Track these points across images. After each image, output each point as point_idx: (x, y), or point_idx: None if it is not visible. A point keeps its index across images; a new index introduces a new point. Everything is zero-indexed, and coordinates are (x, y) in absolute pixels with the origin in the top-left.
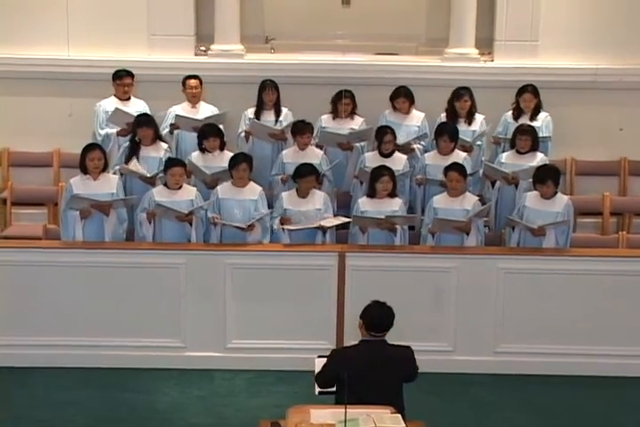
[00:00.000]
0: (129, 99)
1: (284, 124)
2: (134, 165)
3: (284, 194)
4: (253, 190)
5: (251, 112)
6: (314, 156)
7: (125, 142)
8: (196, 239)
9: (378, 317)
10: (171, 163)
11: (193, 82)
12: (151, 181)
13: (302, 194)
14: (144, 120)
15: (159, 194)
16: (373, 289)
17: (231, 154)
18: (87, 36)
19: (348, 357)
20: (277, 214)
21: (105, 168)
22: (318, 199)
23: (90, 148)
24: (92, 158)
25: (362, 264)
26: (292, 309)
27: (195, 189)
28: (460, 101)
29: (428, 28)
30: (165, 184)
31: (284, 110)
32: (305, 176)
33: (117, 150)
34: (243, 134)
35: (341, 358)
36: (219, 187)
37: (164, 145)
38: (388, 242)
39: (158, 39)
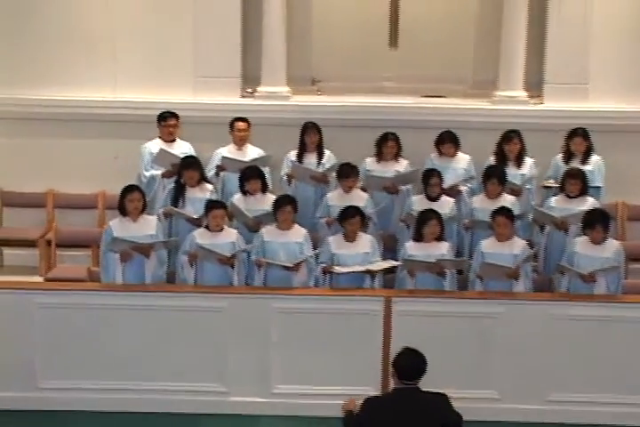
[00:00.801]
0: (174, 140)
1: (327, 166)
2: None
3: (332, 238)
4: (298, 233)
5: (293, 155)
6: (359, 198)
7: (170, 184)
8: (238, 283)
9: (409, 364)
10: (212, 205)
11: (241, 124)
12: (197, 223)
13: (349, 237)
14: (190, 162)
15: (201, 236)
16: (420, 335)
17: (273, 197)
18: (133, 77)
19: (380, 405)
20: (325, 259)
21: (144, 209)
22: (366, 243)
23: (129, 189)
24: (131, 200)
25: (408, 309)
26: (337, 354)
27: (236, 231)
28: (510, 144)
29: (475, 70)
30: (207, 226)
31: (327, 153)
32: (350, 218)
33: (162, 192)
34: (285, 177)
35: (373, 406)
36: (263, 229)
37: (210, 186)
38: (437, 286)
39: (204, 81)
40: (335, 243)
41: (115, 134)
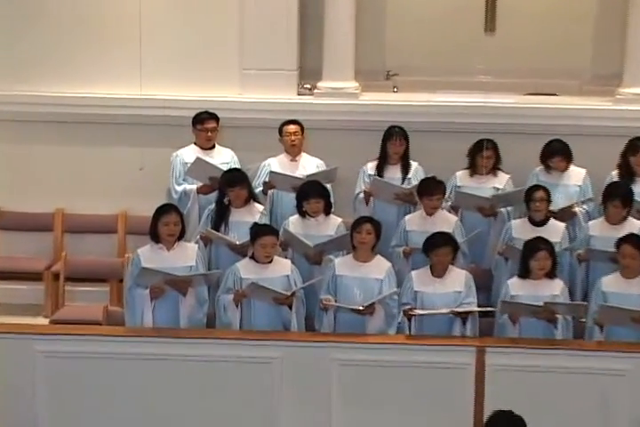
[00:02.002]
0: (213, 147)
1: (414, 182)
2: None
3: (415, 273)
4: (380, 266)
5: (371, 167)
6: (445, 223)
7: (210, 204)
8: (297, 327)
9: None
10: (260, 231)
11: (292, 128)
12: (242, 251)
13: (437, 272)
14: (236, 177)
15: (245, 269)
16: (519, 394)
17: (339, 220)
18: (163, 70)
19: None
20: (406, 299)
21: (182, 236)
22: (458, 279)
23: (164, 210)
24: (166, 223)
25: (507, 363)
26: (415, 416)
27: (289, 261)
28: (637, 156)
29: (594, 61)
30: (252, 257)
31: (414, 165)
32: (439, 248)
33: (197, 211)
34: (361, 195)
35: None
36: (337, 261)
37: (260, 207)
38: (546, 335)
39: (252, 75)
40: (418, 278)
41: (140, 140)
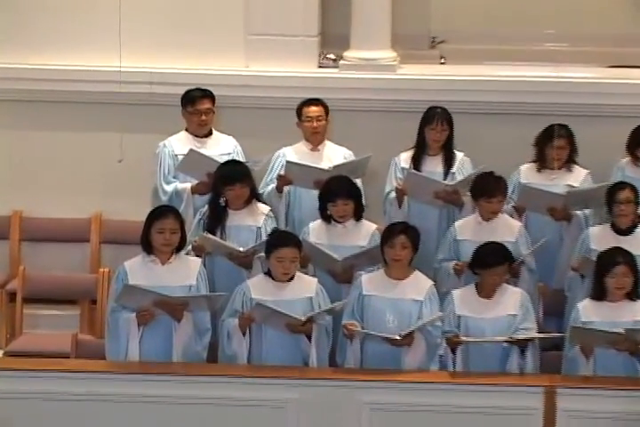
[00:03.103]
0: (210, 134)
1: (459, 177)
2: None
3: (457, 294)
4: (419, 285)
5: (405, 158)
6: (506, 230)
7: (204, 206)
8: (317, 362)
9: None
10: (277, 240)
11: (314, 110)
12: (247, 262)
13: (486, 292)
14: (234, 171)
15: (258, 288)
16: None
17: (373, 227)
18: (147, 37)
19: None
20: (448, 326)
21: (181, 247)
22: (512, 300)
23: (159, 213)
24: (161, 230)
25: (583, 407)
26: None
27: (315, 280)
28: None
29: None
30: (268, 273)
31: (459, 156)
32: (494, 266)
33: (192, 217)
34: (393, 194)
35: None
36: (363, 278)
37: (264, 208)
38: (628, 372)
39: (261, 42)
40: (462, 300)
41: (118, 125)
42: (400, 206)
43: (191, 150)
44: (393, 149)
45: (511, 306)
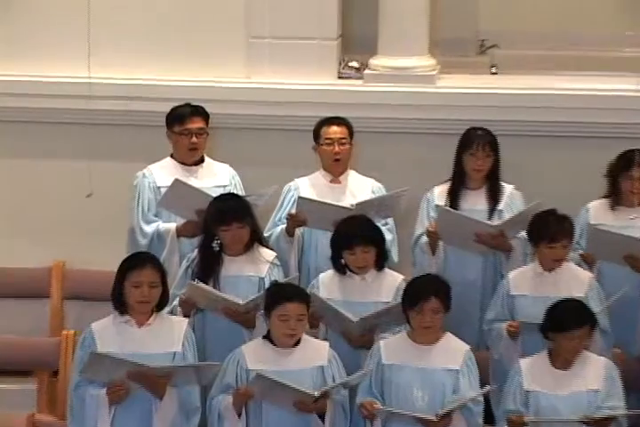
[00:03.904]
0: (201, 162)
1: (507, 216)
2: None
3: (525, 364)
4: (452, 350)
5: (440, 193)
6: (573, 282)
7: (193, 251)
8: None
9: None
10: (280, 293)
11: (336, 131)
12: (246, 319)
13: (562, 362)
14: (232, 208)
15: (255, 356)
16: None
17: (399, 278)
18: (123, 41)
19: None
20: (513, 404)
21: (163, 304)
22: (594, 371)
23: (136, 261)
24: (137, 283)
25: None
26: None
27: (326, 345)
28: None
29: None
30: (267, 336)
31: (508, 189)
32: (572, 329)
33: (178, 264)
34: (424, 238)
35: None
36: (382, 343)
37: (269, 254)
38: None
39: (266, 47)
40: (532, 371)
41: (86, 150)
42: (433, 253)
43: (176, 181)
44: (428, 180)
45: (593, 379)
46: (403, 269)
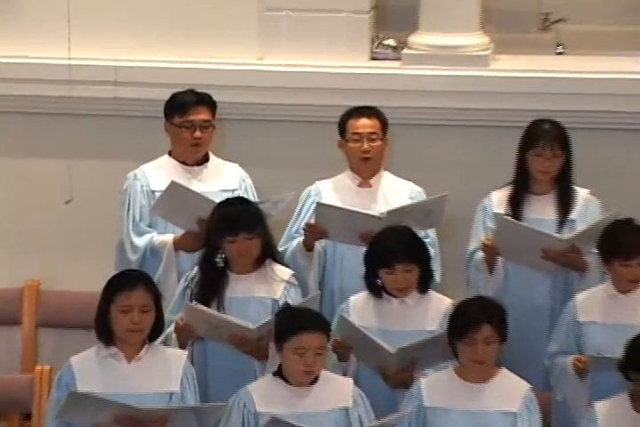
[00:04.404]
0: (205, 161)
1: (580, 227)
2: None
3: (601, 409)
4: (509, 389)
5: (499, 199)
6: None
7: (193, 268)
8: None
9: None
10: (294, 321)
11: (365, 124)
12: (258, 348)
13: None
14: (241, 215)
15: (265, 397)
16: None
17: (446, 302)
18: (109, 15)
19: None
20: None
21: (158, 333)
22: None
23: (125, 281)
24: (126, 307)
25: None
26: None
27: (350, 382)
28: None
29: None
30: (278, 372)
31: (582, 194)
32: None
33: (174, 284)
34: (480, 254)
35: None
36: (423, 382)
37: (284, 272)
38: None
39: (283, 21)
40: (611, 418)
41: (65, 146)
42: (491, 272)
43: (173, 183)
44: (483, 184)
45: None
46: (447, 292)
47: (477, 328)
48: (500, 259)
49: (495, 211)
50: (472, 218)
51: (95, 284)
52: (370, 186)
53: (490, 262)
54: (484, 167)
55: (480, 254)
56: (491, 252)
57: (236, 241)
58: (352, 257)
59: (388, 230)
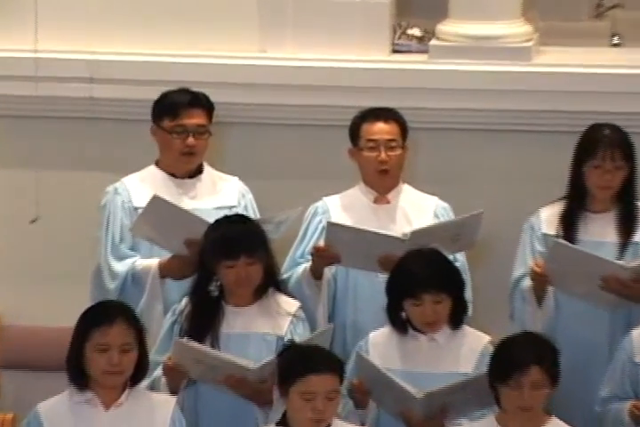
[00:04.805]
0: (199, 173)
1: None
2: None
3: None
4: None
5: (549, 218)
6: None
7: (183, 299)
8: None
9: None
10: (305, 361)
11: (382, 129)
12: (259, 391)
13: None
14: (240, 237)
15: None
16: None
17: (484, 339)
18: (83, 3)
19: None
20: None
21: (141, 376)
22: None
23: (101, 315)
24: (104, 345)
25: None
26: None
27: None
28: None
29: None
30: (283, 422)
31: None
32: None
33: (161, 316)
34: (527, 282)
35: None
36: None
37: (290, 304)
38: None
39: (289, 5)
40: None
41: (31, 155)
42: (540, 304)
43: (155, 198)
44: (523, 199)
45: None
46: (479, 326)
47: (524, 370)
48: (550, 288)
49: (544, 231)
50: (510, 238)
51: (66, 317)
52: (387, 202)
53: (539, 292)
54: (527, 179)
55: (527, 283)
56: (540, 280)
57: (236, 266)
58: (367, 286)
59: (413, 254)
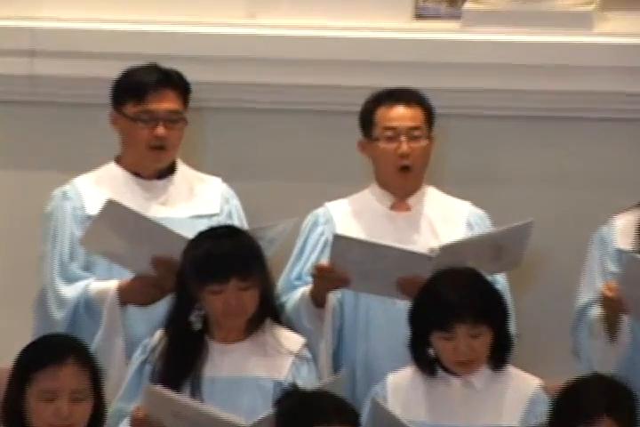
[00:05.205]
0: (170, 173)
1: None
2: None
3: None
4: None
5: (624, 229)
6: None
7: (156, 332)
8: None
9: None
10: (314, 411)
11: (402, 115)
12: None
13: None
14: (228, 253)
15: None
16: None
17: (533, 383)
18: None
19: None
20: None
21: (99, 421)
22: None
23: (45, 354)
24: (50, 393)
25: None
26: None
27: None
28: None
29: None
30: None
31: None
32: None
33: (123, 355)
34: (596, 310)
35: None
36: None
37: (293, 340)
38: None
39: None
40: None
41: None
42: (612, 337)
43: (110, 203)
44: (589, 205)
45: None
46: (528, 367)
47: (593, 422)
48: (625, 318)
49: (620, 246)
50: (567, 255)
51: (1, 355)
52: (408, 209)
53: (612, 323)
54: (592, 180)
55: (596, 311)
56: (613, 307)
57: (224, 292)
58: (383, 315)
59: (443, 275)
